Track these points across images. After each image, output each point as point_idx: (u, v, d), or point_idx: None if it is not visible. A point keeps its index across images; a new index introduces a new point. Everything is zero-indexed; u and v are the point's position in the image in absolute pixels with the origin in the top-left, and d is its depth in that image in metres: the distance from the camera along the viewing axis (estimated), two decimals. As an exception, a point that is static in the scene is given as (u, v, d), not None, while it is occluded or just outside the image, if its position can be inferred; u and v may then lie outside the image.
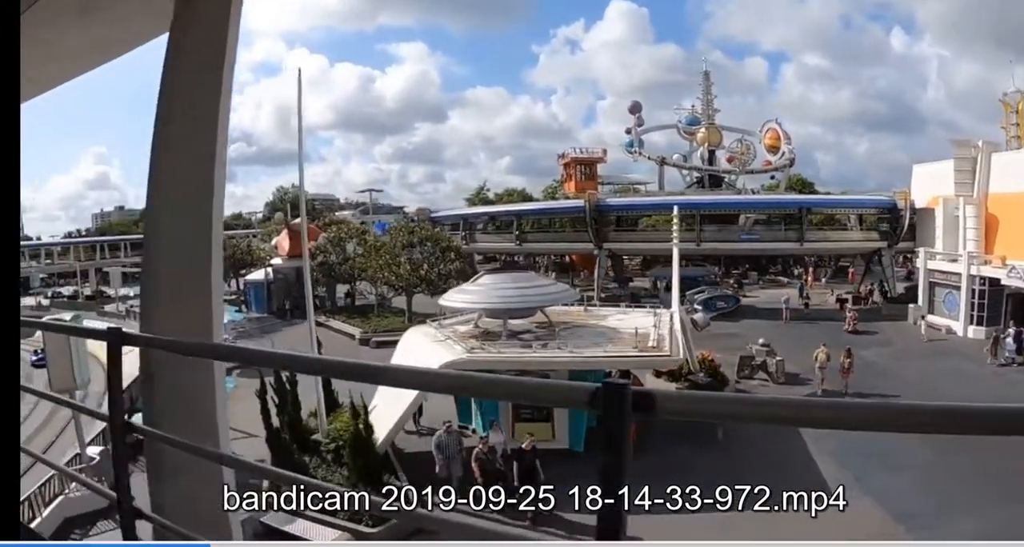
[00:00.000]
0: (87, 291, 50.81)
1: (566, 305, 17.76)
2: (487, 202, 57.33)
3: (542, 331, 15.68)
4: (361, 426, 11.96)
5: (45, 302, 46.66)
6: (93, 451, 12.10)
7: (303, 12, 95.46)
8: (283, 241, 38.87)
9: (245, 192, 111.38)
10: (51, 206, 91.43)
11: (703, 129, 44.27)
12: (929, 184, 29.97)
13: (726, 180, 44.08)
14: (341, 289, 38.42)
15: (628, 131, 44.39)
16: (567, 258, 44.80)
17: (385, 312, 33.18)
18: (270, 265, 38.97)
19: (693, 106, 45.40)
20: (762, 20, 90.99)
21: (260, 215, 68.87)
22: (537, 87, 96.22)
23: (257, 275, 40.17)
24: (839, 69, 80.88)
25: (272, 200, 73.74)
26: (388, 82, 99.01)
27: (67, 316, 30.66)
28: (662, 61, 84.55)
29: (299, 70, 16.05)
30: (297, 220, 37.64)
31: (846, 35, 76.65)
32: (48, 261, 58.23)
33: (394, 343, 24.85)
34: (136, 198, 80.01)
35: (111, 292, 45.20)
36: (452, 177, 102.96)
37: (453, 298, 16.74)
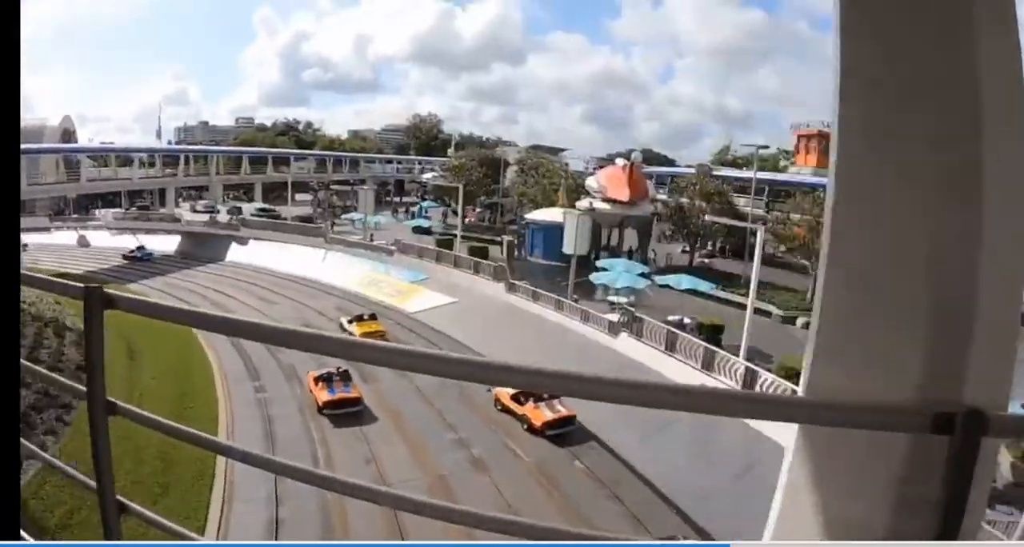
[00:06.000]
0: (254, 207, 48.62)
1: None
2: (732, 165, 50.16)
3: None
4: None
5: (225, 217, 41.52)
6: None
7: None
8: (619, 183, 32.65)
9: (320, 116, 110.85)
10: (125, 118, 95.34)
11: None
12: None
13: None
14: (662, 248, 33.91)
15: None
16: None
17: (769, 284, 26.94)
18: (591, 207, 31.24)
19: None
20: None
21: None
22: (617, 38, 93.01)
23: (541, 215, 33.97)
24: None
25: (409, 125, 75.89)
26: (468, 19, 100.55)
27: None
28: (745, 26, 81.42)
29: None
30: (635, 156, 33.71)
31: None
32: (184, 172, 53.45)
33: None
34: (213, 115, 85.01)
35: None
36: (525, 120, 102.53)
37: None
